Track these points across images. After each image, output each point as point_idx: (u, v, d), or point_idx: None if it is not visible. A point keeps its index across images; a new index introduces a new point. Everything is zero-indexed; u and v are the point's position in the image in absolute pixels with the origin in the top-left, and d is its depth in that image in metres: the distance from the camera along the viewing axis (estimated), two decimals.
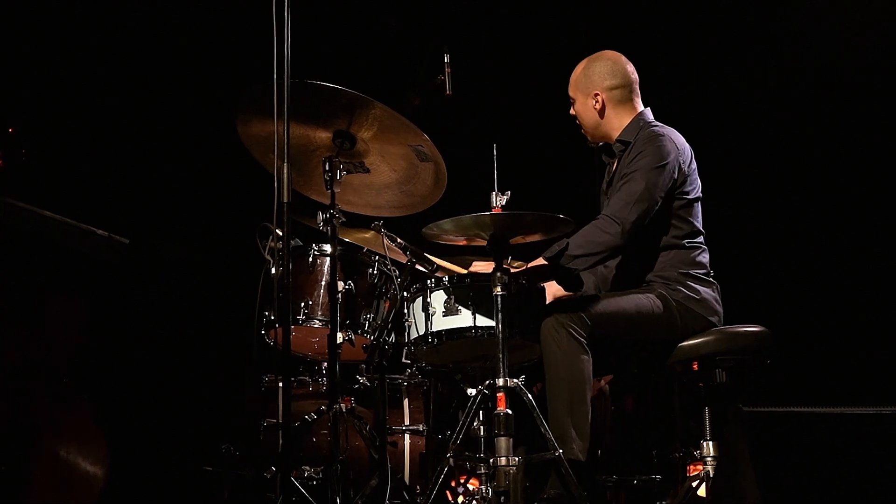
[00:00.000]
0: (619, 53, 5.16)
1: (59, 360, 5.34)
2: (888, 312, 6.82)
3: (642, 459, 6.16)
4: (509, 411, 4.31)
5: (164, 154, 6.82)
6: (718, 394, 4.87)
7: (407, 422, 5.53)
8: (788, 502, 3.67)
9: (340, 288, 4.89)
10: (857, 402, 3.91)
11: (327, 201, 4.78)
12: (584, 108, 5.13)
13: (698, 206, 5.01)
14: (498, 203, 4.54)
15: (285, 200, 4.06)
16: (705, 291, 4.90)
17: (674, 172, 4.88)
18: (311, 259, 5.11)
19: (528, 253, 4.91)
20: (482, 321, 4.63)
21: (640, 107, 5.12)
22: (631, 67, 5.14)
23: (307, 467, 5.18)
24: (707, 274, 4.97)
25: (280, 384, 4.89)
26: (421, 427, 5.48)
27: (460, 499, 5.23)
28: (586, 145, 5.30)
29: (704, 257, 4.99)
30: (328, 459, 4.59)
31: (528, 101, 7.35)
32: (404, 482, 5.24)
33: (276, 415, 5.21)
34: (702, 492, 4.82)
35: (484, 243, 4.53)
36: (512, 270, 4.63)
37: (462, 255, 5.15)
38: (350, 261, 5.13)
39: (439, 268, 5.08)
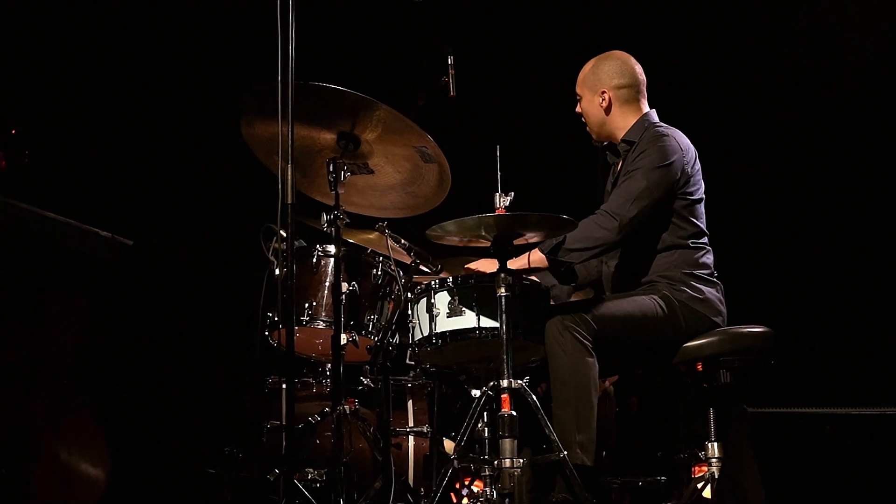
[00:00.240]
0: (628, 54, 5.19)
1: (61, 360, 5.33)
2: (892, 312, 6.81)
3: (647, 460, 6.16)
4: (514, 413, 4.31)
5: (168, 155, 6.82)
6: (723, 394, 4.87)
7: (411, 423, 5.52)
8: (793, 502, 3.67)
9: (344, 289, 4.89)
10: (862, 402, 3.91)
11: (331, 202, 4.78)
12: (590, 105, 5.15)
13: (702, 207, 5.02)
14: (501, 204, 4.54)
15: (289, 201, 4.06)
16: (709, 292, 4.91)
17: (677, 173, 4.90)
18: (314, 260, 5.11)
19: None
20: (486, 322, 4.62)
21: (646, 108, 5.14)
22: (639, 69, 5.17)
23: (310, 469, 5.17)
24: (711, 274, 4.98)
25: (283, 385, 4.88)
26: (425, 429, 5.47)
27: (465, 501, 5.23)
28: (590, 143, 5.31)
29: (708, 258, 5.00)
30: (332, 461, 4.58)
31: (532, 102, 7.34)
32: (408, 484, 5.23)
33: (279, 416, 5.20)
34: (707, 493, 4.81)
35: (488, 244, 4.54)
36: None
37: (465, 256, 5.14)
38: (354, 262, 5.13)
39: (443, 268, 5.08)
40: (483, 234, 4.48)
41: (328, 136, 4.87)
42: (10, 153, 5.34)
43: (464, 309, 4.66)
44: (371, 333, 5.09)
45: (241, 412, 5.87)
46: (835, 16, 6.96)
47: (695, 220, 4.97)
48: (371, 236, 5.33)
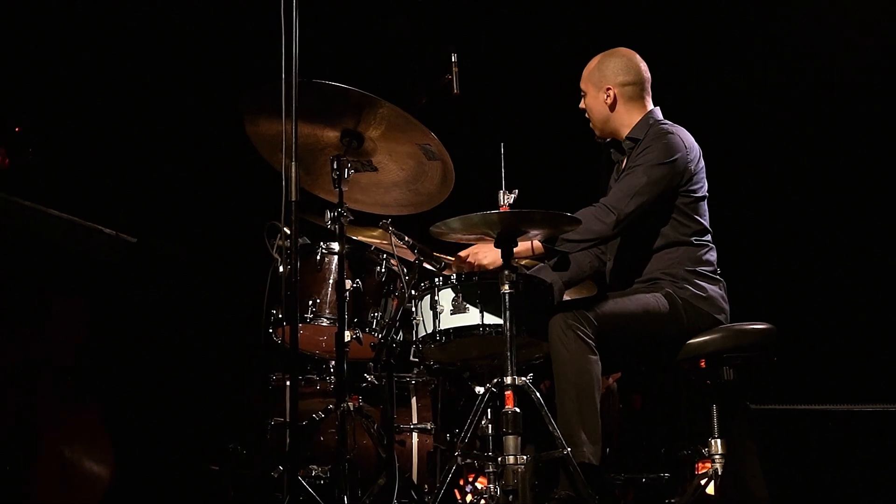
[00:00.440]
0: (633, 51, 5.19)
1: (63, 359, 5.33)
2: (893, 309, 6.82)
3: (650, 457, 6.17)
4: (517, 409, 4.31)
5: (171, 153, 6.82)
6: (726, 391, 4.87)
7: (415, 420, 5.53)
8: (796, 499, 3.68)
9: (348, 286, 4.90)
10: (864, 399, 3.91)
11: (335, 200, 4.79)
12: (594, 101, 5.16)
13: (705, 205, 5.02)
14: (505, 201, 4.56)
15: (293, 199, 4.06)
16: (712, 289, 4.91)
17: (679, 170, 4.90)
18: (318, 257, 5.12)
19: None
20: (490, 319, 4.63)
21: (651, 105, 5.15)
22: (644, 66, 5.17)
23: (315, 466, 5.18)
24: (714, 272, 4.98)
25: (287, 383, 4.90)
26: (429, 426, 5.48)
27: (468, 497, 5.24)
28: (594, 140, 5.31)
29: (712, 255, 5.00)
30: (336, 458, 4.59)
31: (535, 99, 7.35)
32: (412, 481, 5.25)
33: (283, 413, 5.21)
34: (710, 489, 4.82)
35: (491, 241, 4.55)
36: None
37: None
38: (358, 259, 5.14)
39: (447, 265, 5.08)
40: (487, 231, 4.49)
41: (332, 134, 4.87)
42: (14, 151, 5.35)
43: (467, 306, 4.67)
44: (375, 330, 5.10)
45: (245, 409, 5.88)
46: (836, 14, 6.97)
47: (698, 218, 4.97)
48: (375, 233, 5.34)
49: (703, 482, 4.85)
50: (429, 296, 4.77)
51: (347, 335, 4.76)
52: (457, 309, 4.69)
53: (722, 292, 4.96)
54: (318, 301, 5.12)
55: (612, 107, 5.13)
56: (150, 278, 6.44)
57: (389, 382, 4.96)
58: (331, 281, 5.12)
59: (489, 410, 4.70)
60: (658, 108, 5.15)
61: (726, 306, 4.95)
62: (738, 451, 3.92)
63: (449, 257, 5.11)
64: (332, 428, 5.19)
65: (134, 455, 5.71)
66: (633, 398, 6.51)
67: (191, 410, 6.54)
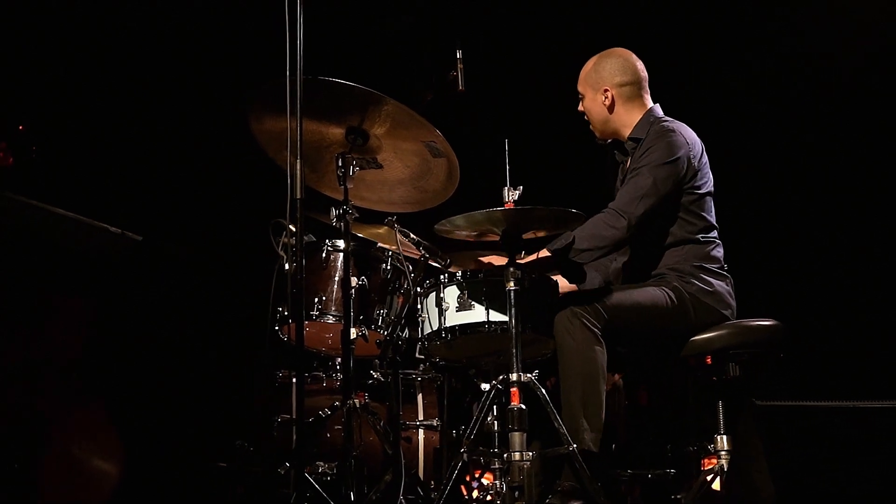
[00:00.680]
0: (628, 51, 5.19)
1: (71, 357, 5.35)
2: None
3: (656, 453, 6.15)
4: (523, 406, 4.32)
5: (176, 151, 6.82)
6: (732, 388, 4.87)
7: (421, 417, 5.53)
8: (802, 495, 3.68)
9: (354, 283, 4.90)
10: (871, 395, 3.91)
11: (340, 197, 4.79)
12: (593, 103, 5.16)
13: (710, 201, 5.02)
14: (510, 198, 4.56)
15: (298, 196, 4.07)
16: (719, 285, 4.91)
17: (683, 168, 4.90)
18: (324, 255, 5.12)
19: (540, 248, 4.91)
20: (495, 316, 4.63)
21: (650, 103, 5.14)
22: (641, 65, 5.17)
23: (321, 463, 5.19)
24: (721, 268, 4.99)
25: (294, 380, 4.91)
26: (435, 422, 5.48)
27: (475, 493, 5.24)
28: (595, 142, 5.30)
29: (718, 251, 5.00)
30: (342, 455, 4.58)
31: (540, 96, 7.34)
32: (418, 477, 5.25)
33: (289, 410, 5.22)
34: (716, 485, 4.82)
35: (497, 238, 4.55)
36: (519, 261, 4.64)
37: (474, 250, 5.15)
38: (363, 256, 5.14)
39: (452, 263, 5.08)
40: (492, 228, 4.49)
41: (337, 131, 4.87)
42: (18, 149, 5.35)
43: (473, 303, 4.67)
44: (380, 328, 5.10)
45: (251, 407, 5.88)
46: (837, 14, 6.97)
47: (704, 214, 4.97)
48: (380, 231, 5.34)
49: (709, 478, 4.85)
50: (434, 293, 4.78)
51: (353, 332, 4.76)
52: (462, 306, 4.69)
53: (729, 288, 4.97)
54: (324, 298, 5.12)
55: (611, 108, 5.13)
56: (156, 276, 6.45)
57: (395, 379, 4.97)
58: (336, 278, 5.12)
59: (495, 407, 4.70)
60: (658, 105, 5.15)
61: (733, 302, 4.96)
62: (744, 448, 3.93)
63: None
64: (338, 425, 5.20)
65: (142, 453, 5.72)
66: (639, 394, 6.50)
67: (198, 408, 6.54)
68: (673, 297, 4.81)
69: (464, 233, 4.61)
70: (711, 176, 5.04)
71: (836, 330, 6.91)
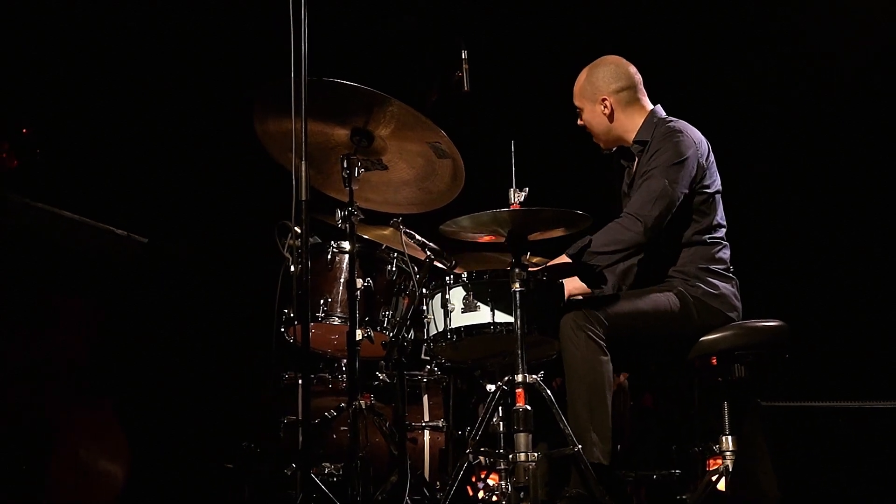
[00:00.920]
0: (618, 56, 5.18)
1: (78, 359, 5.36)
2: None
3: (662, 454, 6.14)
4: (528, 407, 4.32)
5: (182, 154, 6.83)
6: (737, 389, 4.87)
7: (426, 418, 5.53)
8: (807, 496, 3.68)
9: (359, 285, 4.91)
10: (876, 395, 3.91)
11: (346, 199, 4.79)
12: (592, 115, 5.15)
13: (719, 200, 5.02)
14: (516, 199, 4.56)
15: (303, 198, 4.07)
16: (724, 287, 4.91)
17: (693, 167, 4.90)
18: (329, 256, 5.13)
19: (546, 249, 4.91)
20: (501, 317, 4.64)
21: (649, 105, 5.14)
22: (633, 68, 5.15)
23: (327, 464, 5.19)
24: (727, 269, 4.98)
25: (300, 381, 4.91)
26: (440, 423, 5.48)
27: (480, 494, 5.24)
28: (600, 154, 5.30)
29: (725, 253, 5.00)
30: (348, 456, 4.60)
31: (546, 96, 7.33)
32: (424, 478, 5.25)
33: (295, 412, 5.22)
34: (721, 486, 4.82)
35: (502, 240, 4.55)
36: (531, 267, 4.64)
37: (479, 251, 5.15)
38: (369, 258, 5.15)
39: (458, 264, 5.09)
40: (498, 229, 4.49)
41: (342, 133, 4.88)
42: (23, 152, 5.37)
43: (478, 304, 4.67)
44: (386, 329, 5.10)
45: (257, 408, 5.89)
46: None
47: (712, 214, 4.96)
48: (385, 232, 5.34)
49: (714, 479, 4.85)
50: (440, 294, 4.78)
51: (359, 334, 4.77)
52: (468, 307, 4.69)
53: (734, 290, 4.96)
54: (330, 300, 5.13)
55: (611, 116, 5.11)
56: (162, 278, 6.46)
57: (401, 381, 4.97)
58: (342, 280, 5.13)
59: (500, 408, 4.70)
60: (659, 105, 5.14)
61: (738, 304, 4.95)
62: (749, 448, 3.92)
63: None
64: (344, 426, 5.20)
65: (148, 454, 5.73)
66: (644, 396, 6.50)
67: (204, 409, 6.55)
68: (676, 301, 4.81)
69: (469, 234, 4.61)
70: (718, 175, 5.04)
71: (841, 331, 6.90)
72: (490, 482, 5.25)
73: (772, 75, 7.26)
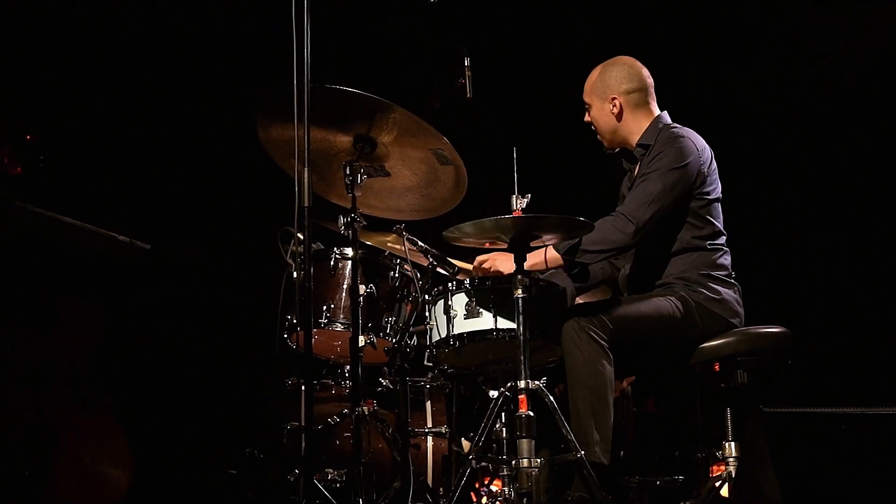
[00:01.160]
0: (633, 58, 5.18)
1: (81, 364, 5.37)
2: None
3: (665, 460, 6.15)
4: (531, 413, 4.33)
5: (185, 160, 6.83)
6: (740, 394, 4.87)
7: (429, 424, 5.53)
8: (809, 502, 3.68)
9: (362, 291, 4.90)
10: (878, 401, 3.91)
11: (348, 205, 4.79)
12: (600, 112, 5.15)
13: (719, 207, 5.02)
14: (518, 206, 4.57)
15: (306, 204, 4.08)
16: (726, 293, 4.91)
17: (693, 174, 4.90)
18: (332, 263, 5.13)
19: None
20: (503, 323, 4.65)
21: (657, 110, 5.14)
22: (646, 72, 5.16)
23: (330, 470, 5.18)
24: (728, 275, 4.98)
25: (302, 387, 4.91)
26: (443, 429, 5.49)
27: (483, 500, 5.24)
28: (603, 153, 5.31)
29: (726, 259, 5.00)
30: (351, 462, 4.59)
31: (548, 103, 7.35)
32: (427, 484, 5.25)
33: (298, 418, 5.22)
34: (724, 492, 4.82)
35: (505, 246, 4.56)
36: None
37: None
38: (371, 264, 5.15)
39: (461, 270, 5.09)
40: (500, 235, 4.50)
41: (344, 139, 4.88)
42: (27, 159, 5.38)
43: (481, 310, 4.69)
44: (389, 335, 5.11)
45: (260, 414, 5.89)
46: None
47: (712, 221, 4.97)
48: (388, 238, 5.35)
49: (717, 485, 4.86)
50: (442, 300, 4.79)
51: (362, 340, 4.77)
52: (470, 313, 4.71)
53: (736, 296, 4.96)
54: (333, 306, 5.13)
55: (619, 116, 5.12)
56: (166, 283, 6.47)
57: (404, 387, 4.97)
58: (345, 286, 5.12)
59: (503, 414, 4.71)
60: (665, 112, 5.14)
61: (741, 310, 4.95)
62: (752, 454, 3.93)
63: (466, 264, 5.12)
64: (347, 432, 5.20)
65: (152, 459, 5.74)
66: (647, 401, 6.50)
67: (207, 415, 6.56)
68: (680, 306, 4.81)
69: (472, 240, 4.62)
70: (720, 183, 5.04)
71: (842, 336, 6.90)
72: (493, 488, 5.25)
73: (772, 77, 7.26)
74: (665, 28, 7.24)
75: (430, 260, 5.01)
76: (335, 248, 5.13)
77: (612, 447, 4.57)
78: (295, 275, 4.67)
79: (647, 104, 5.13)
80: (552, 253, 4.91)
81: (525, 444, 4.30)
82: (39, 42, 6.45)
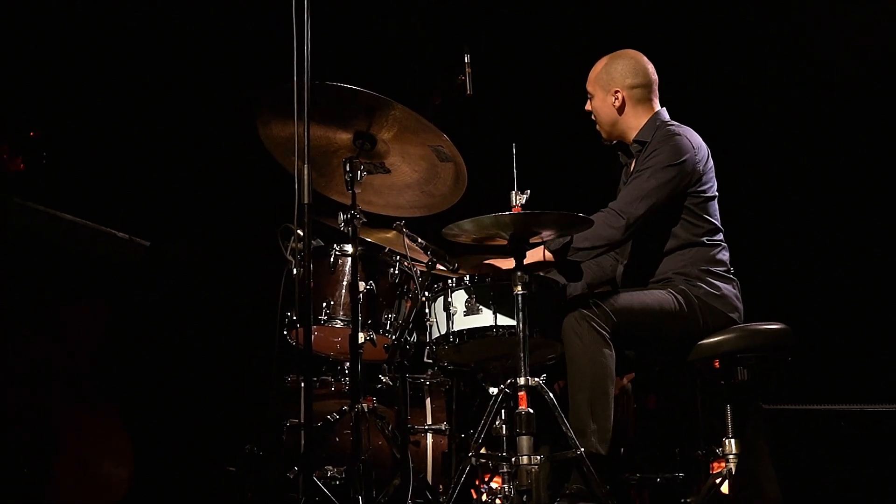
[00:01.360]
0: (640, 53, 5.17)
1: (82, 362, 5.37)
2: None
3: (665, 457, 6.15)
4: (531, 410, 4.33)
5: (185, 157, 6.84)
6: (740, 391, 4.87)
7: (429, 421, 5.53)
8: (809, 499, 3.68)
9: (362, 288, 4.90)
10: (878, 399, 3.91)
11: (348, 202, 4.79)
12: (602, 104, 5.14)
13: (715, 204, 5.02)
14: (517, 202, 4.56)
15: (306, 201, 4.08)
16: (726, 288, 4.91)
17: (688, 171, 4.89)
18: (332, 259, 5.13)
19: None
20: (503, 320, 4.65)
21: (658, 106, 5.13)
22: (652, 68, 5.16)
23: (330, 467, 5.19)
24: (727, 271, 4.98)
25: (302, 384, 4.92)
26: (443, 426, 5.49)
27: (483, 497, 5.24)
28: (600, 143, 5.30)
29: (724, 255, 5.00)
30: (351, 459, 4.60)
31: (548, 100, 7.35)
32: (427, 481, 5.25)
33: (298, 415, 5.23)
34: (725, 489, 4.82)
35: (504, 243, 4.55)
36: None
37: (482, 254, 5.16)
38: (371, 261, 5.15)
39: (460, 267, 5.09)
40: (499, 232, 4.50)
41: (344, 136, 4.88)
42: (29, 156, 5.38)
43: (481, 307, 4.69)
44: (389, 332, 5.11)
45: (260, 411, 5.89)
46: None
47: (709, 217, 4.96)
48: (388, 235, 5.35)
49: (717, 482, 4.85)
50: (442, 297, 4.79)
51: (361, 337, 4.76)
52: (470, 310, 4.71)
53: (736, 291, 4.96)
54: (332, 303, 5.13)
55: (621, 110, 5.11)
56: (166, 281, 6.47)
57: (403, 384, 4.98)
58: (344, 283, 5.13)
59: (503, 411, 4.71)
60: (664, 108, 5.14)
61: (740, 305, 4.95)
62: (751, 451, 3.93)
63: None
64: (346, 429, 5.20)
65: (152, 457, 5.74)
66: (647, 398, 6.50)
67: (207, 412, 6.56)
68: (681, 300, 4.81)
69: (472, 237, 4.62)
70: (716, 181, 5.04)
71: (842, 333, 6.90)
72: (493, 485, 5.25)
73: (772, 74, 7.25)
74: (665, 26, 7.24)
75: (430, 257, 5.01)
76: (335, 245, 5.13)
77: (612, 442, 4.56)
78: (295, 271, 4.67)
79: (649, 100, 5.12)
80: (549, 253, 4.91)
81: (525, 441, 4.30)
82: (40, 41, 6.46)
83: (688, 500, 5.37)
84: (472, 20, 7.09)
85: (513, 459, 4.37)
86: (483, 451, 4.61)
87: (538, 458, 4.30)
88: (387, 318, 5.12)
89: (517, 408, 4.35)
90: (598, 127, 5.23)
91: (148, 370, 6.42)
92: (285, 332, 5.13)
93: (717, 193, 5.02)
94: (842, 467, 3.71)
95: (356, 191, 4.77)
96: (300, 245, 4.26)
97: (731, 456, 4.84)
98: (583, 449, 4.37)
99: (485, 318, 4.69)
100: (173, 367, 6.57)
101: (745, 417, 4.52)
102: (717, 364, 4.87)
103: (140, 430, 5.53)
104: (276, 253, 4.96)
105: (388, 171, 5.02)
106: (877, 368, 6.72)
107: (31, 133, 5.41)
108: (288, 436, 5.31)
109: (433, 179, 5.07)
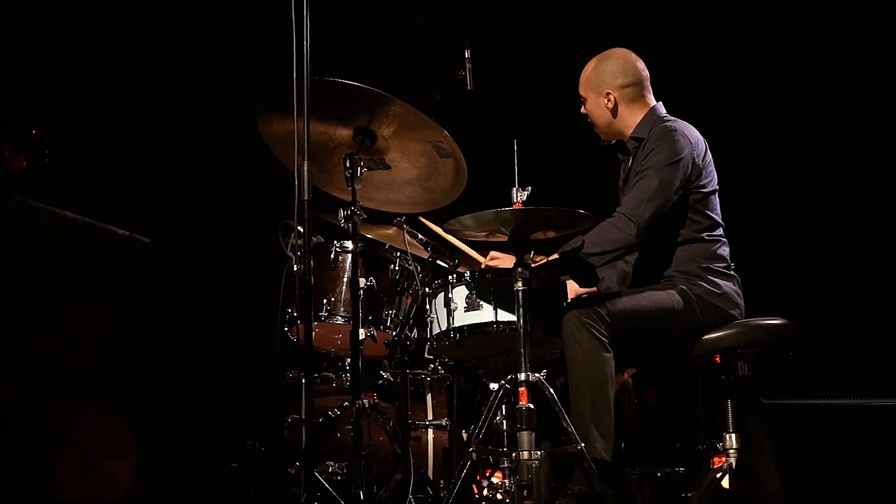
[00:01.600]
0: (628, 50, 5.15)
1: (83, 360, 5.38)
2: None
3: (666, 452, 6.15)
4: (531, 405, 4.34)
5: (184, 154, 6.84)
6: (741, 386, 4.88)
7: (430, 417, 5.53)
8: (810, 493, 3.68)
9: (362, 284, 4.90)
10: (878, 393, 3.91)
11: (348, 198, 4.80)
12: (595, 106, 5.13)
13: (716, 199, 5.00)
14: (518, 198, 4.56)
15: (306, 198, 4.08)
16: (726, 285, 4.90)
17: (688, 167, 4.88)
18: (332, 256, 5.14)
19: (550, 248, 4.92)
20: (504, 316, 4.65)
21: (652, 101, 5.12)
22: (641, 64, 5.13)
23: (331, 463, 5.20)
24: (728, 267, 4.98)
25: (303, 380, 4.93)
26: (444, 422, 5.49)
27: (484, 492, 5.25)
28: (599, 143, 5.30)
29: (724, 250, 4.99)
30: (352, 455, 4.61)
31: (549, 95, 7.34)
32: (428, 477, 5.26)
33: (299, 411, 5.23)
34: (725, 484, 4.82)
35: (505, 238, 4.56)
36: (532, 265, 4.65)
37: (482, 250, 5.16)
38: (372, 257, 5.16)
39: (461, 263, 5.09)
40: (500, 228, 4.50)
41: (344, 132, 4.89)
42: (32, 154, 5.38)
43: (481, 303, 4.69)
44: (389, 328, 5.11)
45: (261, 407, 5.90)
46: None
47: (709, 213, 4.96)
48: (388, 231, 5.35)
49: (717, 476, 4.86)
50: (443, 293, 4.79)
51: (362, 333, 4.77)
52: (471, 306, 4.71)
53: (736, 288, 4.96)
54: (333, 299, 5.13)
55: (615, 111, 5.10)
56: (166, 277, 6.47)
57: (404, 379, 4.98)
58: (345, 279, 5.13)
59: (504, 406, 4.71)
60: (660, 103, 5.12)
61: (741, 301, 4.95)
62: (752, 446, 3.93)
63: (476, 254, 5.10)
64: (348, 425, 5.20)
65: (153, 453, 5.74)
66: (648, 394, 6.50)
67: (208, 408, 6.56)
68: (679, 299, 4.80)
69: (472, 233, 4.62)
70: (716, 174, 5.03)
71: (843, 328, 6.90)
72: (494, 480, 5.26)
73: (772, 71, 7.25)
74: (665, 23, 7.23)
75: (431, 252, 5.01)
76: (335, 242, 5.13)
77: (614, 439, 4.56)
78: (295, 268, 4.68)
79: (642, 97, 5.10)
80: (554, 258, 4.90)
81: (525, 437, 4.31)
82: (41, 40, 6.46)
83: (688, 495, 5.37)
84: (473, 16, 7.08)
85: (513, 455, 4.37)
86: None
87: (539, 453, 4.30)
88: (387, 315, 5.13)
89: (518, 403, 4.36)
90: (595, 129, 5.22)
91: (149, 367, 6.41)
92: (286, 329, 5.13)
93: (717, 188, 5.01)
94: (842, 462, 3.71)
95: (356, 187, 4.78)
96: (300, 242, 4.27)
97: (731, 451, 4.84)
98: (583, 445, 4.38)
99: (485, 313, 4.69)
100: (175, 363, 6.57)
101: (745, 412, 4.53)
102: (717, 359, 4.87)
103: (142, 427, 5.53)
104: (276, 250, 4.97)
105: (389, 168, 5.03)
106: (877, 363, 6.72)
107: (34, 131, 5.41)
108: (289, 432, 5.32)
109: (433, 175, 5.07)
